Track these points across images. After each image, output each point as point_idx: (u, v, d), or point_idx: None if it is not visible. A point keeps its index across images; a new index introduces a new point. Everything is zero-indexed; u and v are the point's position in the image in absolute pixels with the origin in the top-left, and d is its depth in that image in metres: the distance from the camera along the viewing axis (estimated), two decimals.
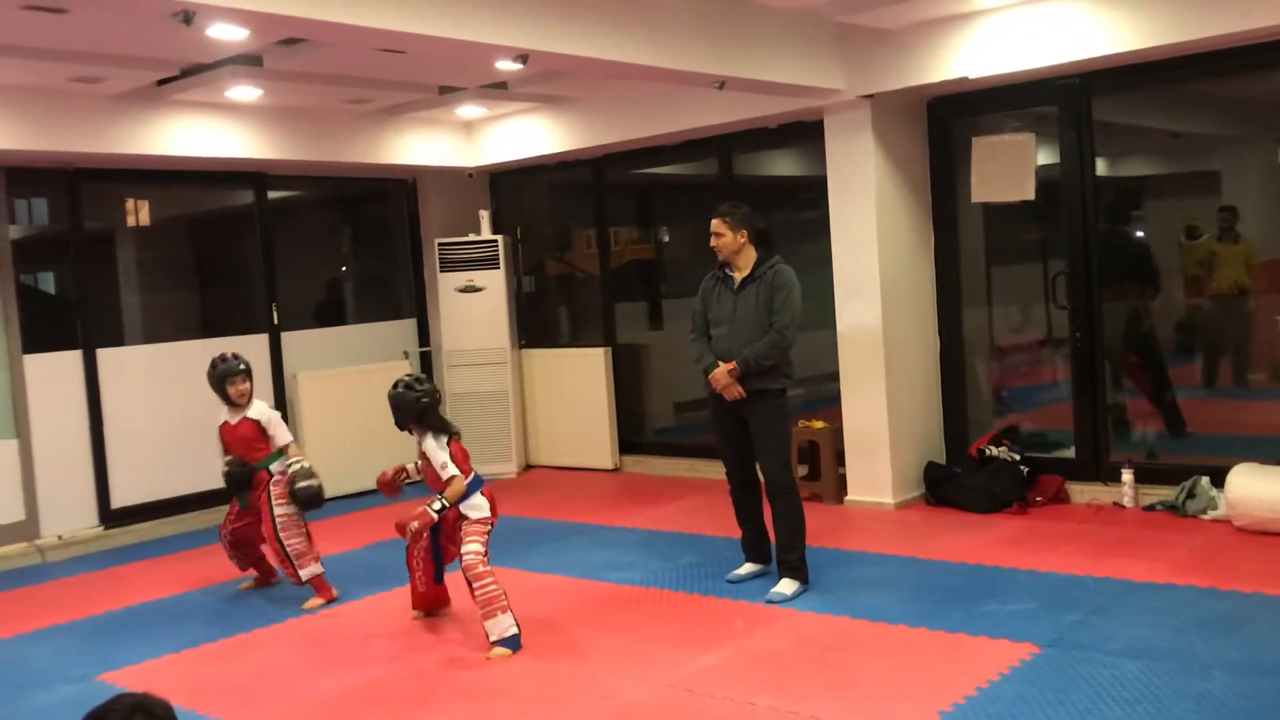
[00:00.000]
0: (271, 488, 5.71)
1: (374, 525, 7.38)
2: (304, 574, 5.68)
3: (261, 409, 5.84)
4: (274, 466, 5.76)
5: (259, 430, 5.78)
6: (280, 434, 5.82)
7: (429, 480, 5.05)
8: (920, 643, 4.56)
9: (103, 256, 7.97)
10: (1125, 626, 4.56)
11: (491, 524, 4.97)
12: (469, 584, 4.83)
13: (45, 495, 7.17)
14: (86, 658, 5.09)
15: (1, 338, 7.09)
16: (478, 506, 4.93)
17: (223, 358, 5.83)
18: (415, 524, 4.85)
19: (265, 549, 5.96)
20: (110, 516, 7.47)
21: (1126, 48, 5.81)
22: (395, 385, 5.06)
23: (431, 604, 5.38)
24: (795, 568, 5.35)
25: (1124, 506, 6.47)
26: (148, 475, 7.55)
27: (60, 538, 7.22)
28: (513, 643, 4.79)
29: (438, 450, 4.96)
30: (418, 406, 5.01)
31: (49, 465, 7.19)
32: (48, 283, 7.97)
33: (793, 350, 5.41)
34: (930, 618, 4.82)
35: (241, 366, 5.78)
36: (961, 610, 4.90)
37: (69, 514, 7.28)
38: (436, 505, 4.86)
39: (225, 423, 5.82)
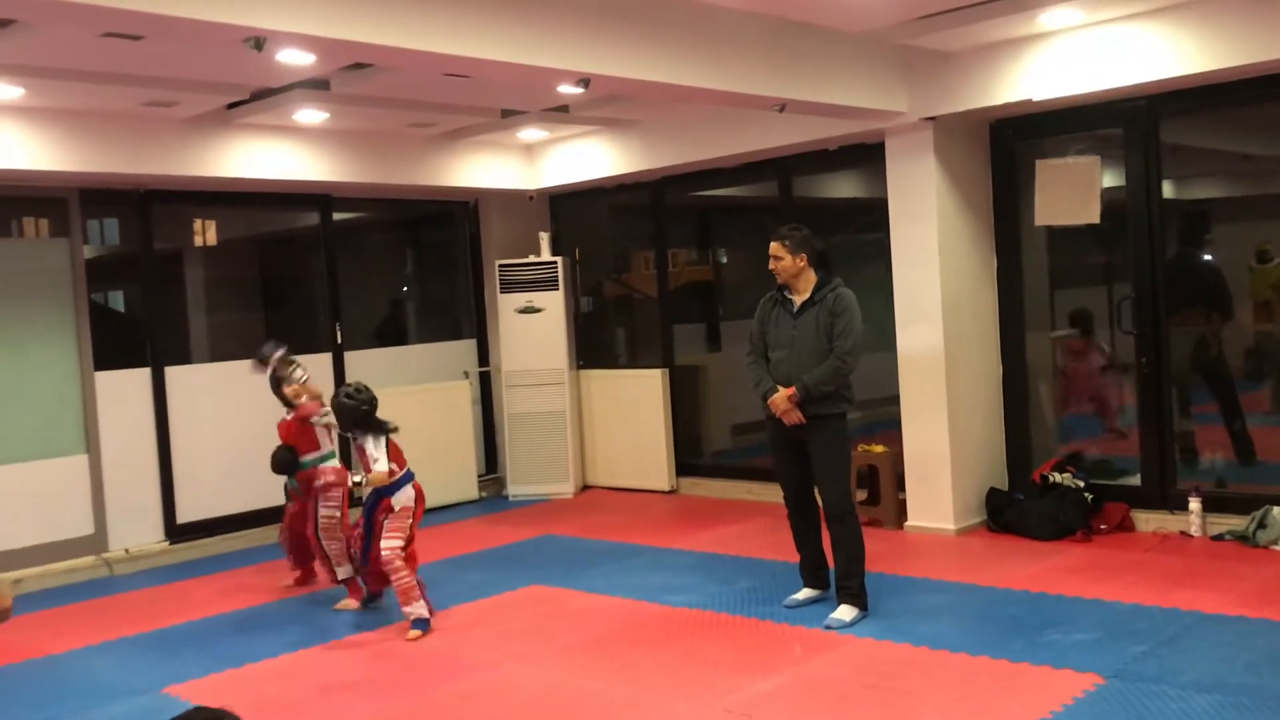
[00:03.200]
0: (320, 492, 6.11)
1: (436, 543, 7.43)
2: (340, 574, 6.07)
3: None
4: (324, 467, 6.17)
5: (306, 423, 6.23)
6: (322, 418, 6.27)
7: (367, 470, 5.54)
8: (981, 672, 4.49)
9: (171, 276, 8.14)
10: (1194, 659, 4.46)
11: (416, 517, 5.55)
12: (387, 574, 5.45)
13: (113, 510, 7.33)
14: (152, 671, 5.18)
15: (74, 355, 7.27)
16: (404, 499, 5.50)
17: (281, 363, 6.34)
18: (331, 477, 5.85)
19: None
20: (176, 531, 7.60)
21: (1194, 70, 5.74)
22: (337, 394, 5.60)
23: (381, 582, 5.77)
24: (854, 594, 5.30)
25: (1191, 536, 6.34)
26: (212, 491, 7.68)
27: (127, 551, 7.36)
28: (421, 624, 5.42)
29: (373, 448, 5.48)
30: (359, 413, 5.52)
31: (117, 480, 7.35)
32: (118, 301, 8.15)
33: (852, 374, 5.39)
34: (992, 646, 4.75)
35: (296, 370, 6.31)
36: (1024, 639, 4.82)
37: (136, 528, 7.43)
38: (357, 477, 5.53)
39: (282, 419, 6.31)
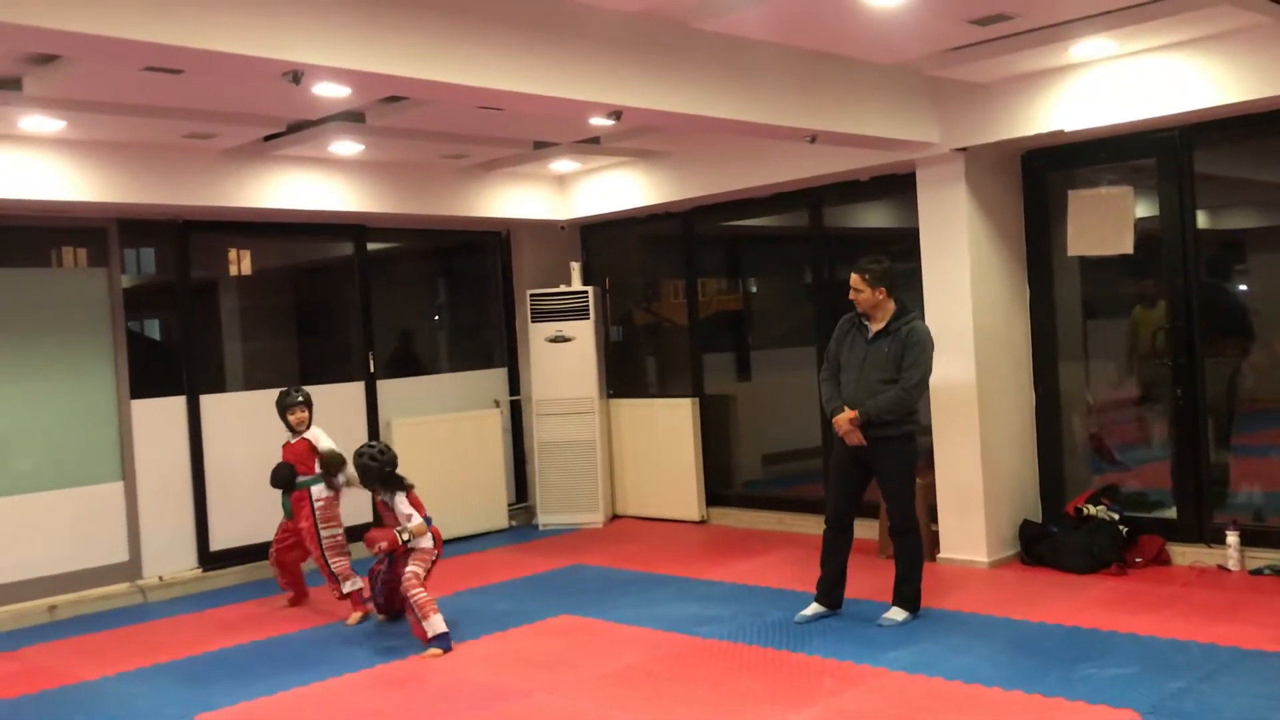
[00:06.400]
0: (317, 513, 6.49)
1: (466, 572, 7.45)
2: (345, 588, 6.41)
3: (315, 432, 6.63)
4: (316, 490, 6.52)
5: (310, 448, 6.57)
6: (322, 444, 6.56)
7: (389, 524, 5.97)
8: (1015, 706, 4.44)
9: (207, 305, 8.23)
10: (1234, 695, 4.40)
11: (436, 555, 5.93)
12: (405, 597, 5.70)
13: (148, 537, 7.39)
14: (184, 698, 5.20)
15: (111, 383, 7.35)
16: (425, 540, 5.87)
17: (286, 392, 6.70)
18: (384, 543, 5.83)
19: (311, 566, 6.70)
20: (209, 559, 7.65)
21: (1228, 100, 5.71)
22: (360, 455, 5.95)
23: (393, 609, 6.24)
24: (909, 600, 5.67)
25: (1229, 570, 6.26)
26: (246, 519, 7.71)
27: (161, 579, 7.41)
28: (443, 641, 5.63)
29: (401, 505, 5.87)
30: (382, 474, 5.93)
31: (152, 508, 7.41)
32: (154, 330, 8.24)
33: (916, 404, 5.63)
34: (1025, 680, 4.69)
35: (300, 399, 6.64)
36: (1058, 673, 4.77)
37: (170, 556, 7.49)
38: (405, 536, 5.81)
39: (287, 442, 6.66)
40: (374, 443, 6.08)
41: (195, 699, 5.16)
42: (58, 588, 7.00)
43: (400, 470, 6.02)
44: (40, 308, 7.10)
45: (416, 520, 5.83)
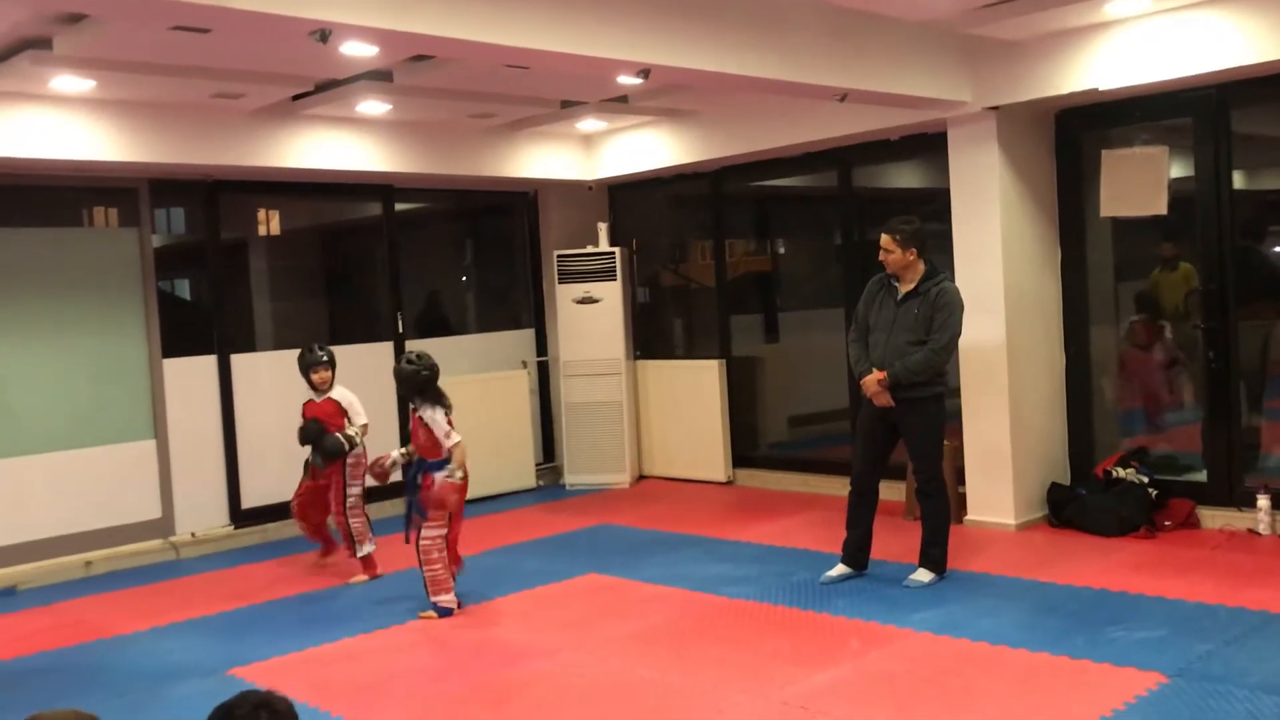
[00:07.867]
0: (347, 470, 6.46)
1: (493, 531, 7.51)
2: (360, 551, 6.45)
3: (343, 393, 6.58)
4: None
5: (339, 409, 6.51)
6: (357, 416, 6.52)
7: (421, 448, 5.63)
8: (1042, 668, 4.45)
9: (237, 265, 8.27)
10: (1262, 659, 4.38)
11: (460, 497, 5.61)
12: (419, 562, 5.59)
13: (180, 494, 7.48)
14: (218, 652, 5.28)
15: (143, 342, 7.42)
16: (452, 475, 5.52)
17: (309, 349, 6.61)
18: (374, 474, 5.85)
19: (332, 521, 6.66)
20: (240, 516, 7.74)
21: (1267, 57, 5.61)
22: (399, 362, 5.70)
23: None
24: (936, 561, 5.67)
25: (1259, 534, 6.22)
26: (276, 477, 7.78)
27: (193, 535, 7.51)
28: (445, 612, 5.60)
29: (439, 421, 5.53)
30: (419, 379, 5.59)
31: (184, 466, 7.51)
32: (185, 290, 8.30)
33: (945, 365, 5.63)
34: (1053, 642, 4.70)
35: (324, 358, 6.56)
36: (1085, 636, 4.76)
37: (202, 513, 7.58)
38: (460, 474, 5.53)
39: (310, 400, 6.59)
40: (414, 350, 5.83)
41: (229, 653, 5.24)
42: (92, 544, 7.11)
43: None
44: (72, 267, 7.16)
45: (455, 439, 5.50)
